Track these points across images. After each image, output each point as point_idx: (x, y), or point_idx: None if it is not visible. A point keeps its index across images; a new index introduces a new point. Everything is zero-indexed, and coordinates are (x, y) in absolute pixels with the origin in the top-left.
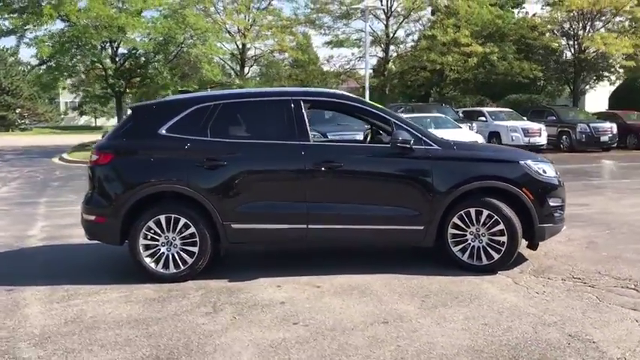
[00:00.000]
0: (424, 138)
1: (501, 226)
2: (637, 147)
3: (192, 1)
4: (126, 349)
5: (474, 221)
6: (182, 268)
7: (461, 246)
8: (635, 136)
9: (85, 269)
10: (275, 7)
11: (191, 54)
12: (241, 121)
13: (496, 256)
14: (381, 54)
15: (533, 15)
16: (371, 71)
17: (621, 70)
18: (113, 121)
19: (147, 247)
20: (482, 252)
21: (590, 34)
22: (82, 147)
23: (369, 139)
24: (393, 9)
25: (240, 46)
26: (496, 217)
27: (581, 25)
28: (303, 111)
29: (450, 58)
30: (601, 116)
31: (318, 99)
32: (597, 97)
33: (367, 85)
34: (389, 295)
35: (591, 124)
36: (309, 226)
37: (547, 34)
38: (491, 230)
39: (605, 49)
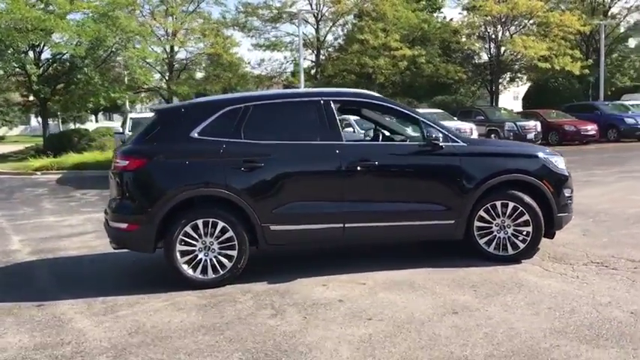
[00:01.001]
0: (450, 135)
1: (526, 217)
2: (559, 143)
3: (120, 3)
4: (217, 355)
5: (500, 213)
6: (221, 272)
7: (487, 238)
8: (557, 133)
9: (106, 280)
10: (203, 10)
11: (124, 57)
12: (274, 123)
13: (522, 246)
14: (312, 58)
15: (451, 20)
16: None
17: (532, 73)
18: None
19: (184, 253)
20: (508, 243)
21: (510, 38)
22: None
23: (372, 138)
24: (322, 13)
25: (169, 50)
26: (521, 208)
27: (499, 28)
28: (334, 111)
29: (382, 62)
30: (524, 115)
31: (348, 99)
32: (508, 98)
33: (302, 88)
34: (438, 287)
35: (517, 123)
36: (346, 225)
37: (464, 39)
38: (517, 221)
39: (525, 51)
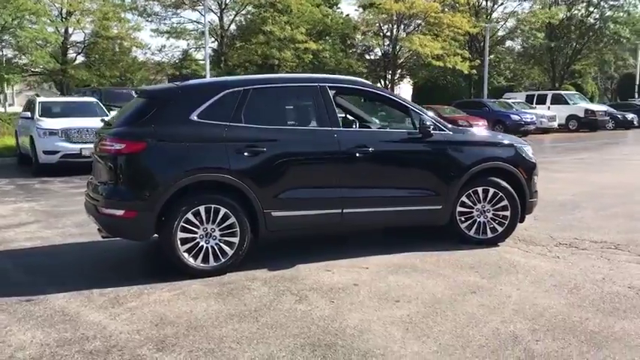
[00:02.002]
0: (438, 124)
1: (505, 202)
2: None
3: None
4: (268, 342)
5: (481, 199)
6: (222, 260)
7: (468, 222)
8: None
9: (88, 271)
10: None
11: (20, 38)
12: (274, 107)
13: (500, 230)
14: (215, 46)
15: (347, 15)
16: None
17: (425, 71)
18: None
19: (184, 241)
20: (487, 227)
21: (407, 36)
22: None
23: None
24: (225, 2)
25: (63, 31)
26: (501, 194)
27: (395, 26)
28: (331, 97)
29: (288, 54)
30: None
31: (344, 85)
32: (405, 94)
33: (208, 77)
34: (442, 269)
35: None
36: (344, 211)
37: (360, 36)
38: (496, 207)
39: (421, 50)
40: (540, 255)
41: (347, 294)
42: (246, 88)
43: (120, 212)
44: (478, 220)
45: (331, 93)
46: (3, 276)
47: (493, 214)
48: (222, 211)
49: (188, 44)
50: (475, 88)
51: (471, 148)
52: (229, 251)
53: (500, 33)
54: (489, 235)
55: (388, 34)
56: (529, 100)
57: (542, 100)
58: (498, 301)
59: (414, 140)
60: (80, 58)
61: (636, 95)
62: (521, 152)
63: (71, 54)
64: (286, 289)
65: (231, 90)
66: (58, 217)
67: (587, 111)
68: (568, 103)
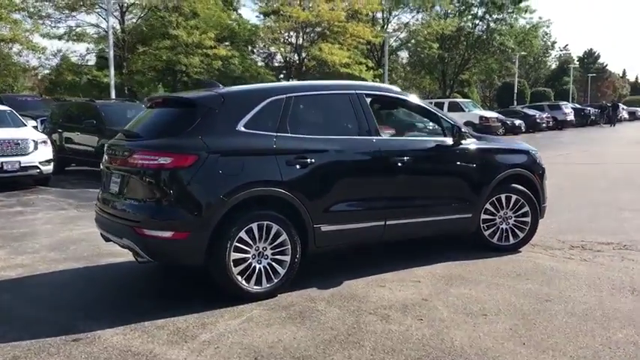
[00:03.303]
0: (467, 132)
1: (526, 209)
2: None
3: None
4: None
5: (504, 206)
6: (275, 281)
7: (491, 230)
8: None
9: (120, 300)
10: None
11: None
12: (315, 116)
13: (521, 235)
14: (115, 51)
15: (249, 21)
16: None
17: (332, 79)
18: None
19: (236, 263)
20: (509, 233)
21: (316, 44)
22: None
23: None
24: (127, 4)
25: None
26: (522, 200)
27: (301, 34)
28: (368, 105)
29: (196, 60)
30: None
31: (379, 93)
32: None
33: (112, 83)
34: (493, 279)
35: None
36: (387, 223)
37: (265, 42)
38: (517, 213)
39: (330, 58)
40: (567, 259)
41: (427, 310)
42: (288, 95)
43: (168, 234)
44: (500, 227)
45: (368, 101)
46: (16, 312)
47: (515, 220)
48: (275, 228)
49: (88, 48)
50: None
51: (498, 155)
52: (281, 271)
53: (393, 43)
54: (511, 241)
55: (293, 41)
56: None
57: (439, 108)
58: (581, 309)
59: (448, 148)
60: None
61: (515, 103)
62: (535, 158)
63: None
64: (357, 309)
65: (274, 98)
66: (18, 240)
67: (481, 118)
68: (464, 111)
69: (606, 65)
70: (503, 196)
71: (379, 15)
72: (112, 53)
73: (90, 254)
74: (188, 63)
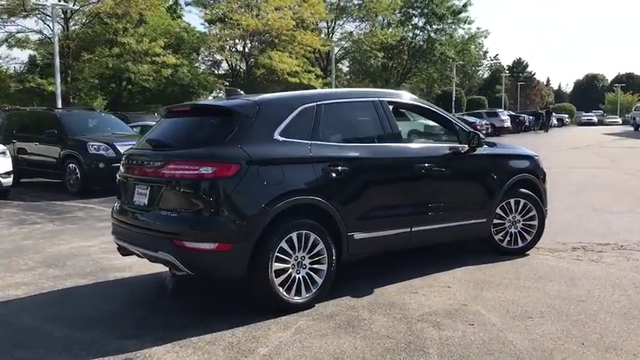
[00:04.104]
0: (483, 138)
1: (533, 212)
2: None
3: None
4: None
5: (513, 210)
6: (313, 291)
7: (501, 234)
8: None
9: (151, 317)
10: None
11: None
12: (344, 123)
13: (529, 238)
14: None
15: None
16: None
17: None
18: None
19: (277, 273)
20: (518, 237)
21: (266, 52)
22: None
23: None
24: (72, 10)
25: None
26: (530, 204)
27: (249, 42)
28: (391, 112)
29: (145, 67)
30: None
31: (399, 100)
32: None
33: (59, 91)
34: (517, 281)
35: None
36: (413, 229)
37: (212, 50)
38: (525, 217)
39: (280, 66)
40: (576, 260)
41: (473, 315)
42: (318, 103)
43: (211, 245)
44: (509, 230)
45: (390, 108)
46: (44, 333)
47: (523, 224)
48: (312, 236)
49: (31, 55)
50: None
51: (508, 161)
52: (319, 280)
53: (338, 52)
54: (520, 244)
55: (240, 49)
56: None
57: None
58: (617, 308)
59: (467, 154)
60: None
61: (453, 111)
62: (538, 163)
63: None
64: (403, 317)
65: (307, 105)
66: (4, 257)
67: (426, 127)
68: (410, 120)
69: (534, 74)
70: (512, 201)
71: (323, 25)
72: (57, 60)
73: (93, 270)
74: (137, 70)
